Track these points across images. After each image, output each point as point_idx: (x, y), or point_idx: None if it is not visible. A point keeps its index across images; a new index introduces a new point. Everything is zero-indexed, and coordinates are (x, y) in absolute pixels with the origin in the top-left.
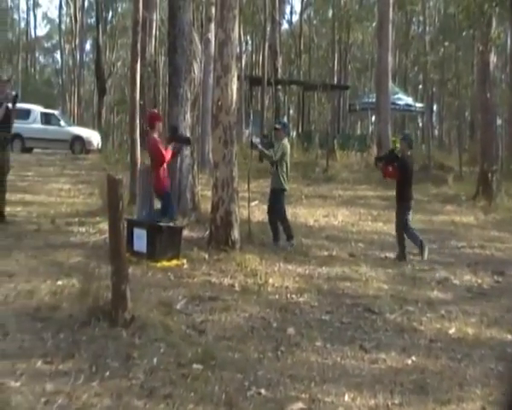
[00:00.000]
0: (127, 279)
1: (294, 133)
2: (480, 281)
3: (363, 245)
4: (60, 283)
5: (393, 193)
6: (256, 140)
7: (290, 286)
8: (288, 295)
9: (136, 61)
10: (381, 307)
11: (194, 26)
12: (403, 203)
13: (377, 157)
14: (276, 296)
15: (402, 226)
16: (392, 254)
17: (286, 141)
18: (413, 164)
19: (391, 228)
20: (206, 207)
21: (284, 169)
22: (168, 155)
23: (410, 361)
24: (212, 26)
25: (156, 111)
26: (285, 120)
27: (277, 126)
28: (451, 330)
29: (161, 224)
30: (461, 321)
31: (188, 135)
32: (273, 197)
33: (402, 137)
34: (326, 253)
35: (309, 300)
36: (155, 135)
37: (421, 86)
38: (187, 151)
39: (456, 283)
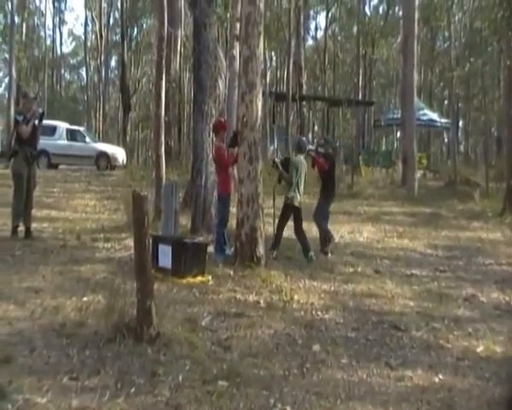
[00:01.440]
0: (152, 296)
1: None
2: (507, 298)
3: (389, 262)
4: (85, 299)
5: (420, 209)
6: (277, 159)
7: (315, 303)
8: (314, 312)
9: (161, 78)
10: (407, 324)
11: (218, 42)
12: (328, 196)
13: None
14: (302, 313)
15: (322, 216)
16: (418, 271)
17: (300, 157)
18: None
19: (417, 245)
20: (231, 223)
21: (298, 185)
22: (230, 159)
23: (436, 379)
24: (237, 42)
25: (222, 120)
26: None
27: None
28: (479, 349)
29: (186, 240)
30: (488, 339)
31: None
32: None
33: (324, 141)
34: (351, 269)
35: (334, 316)
36: (219, 142)
37: (446, 102)
38: (212, 168)
39: (483, 300)
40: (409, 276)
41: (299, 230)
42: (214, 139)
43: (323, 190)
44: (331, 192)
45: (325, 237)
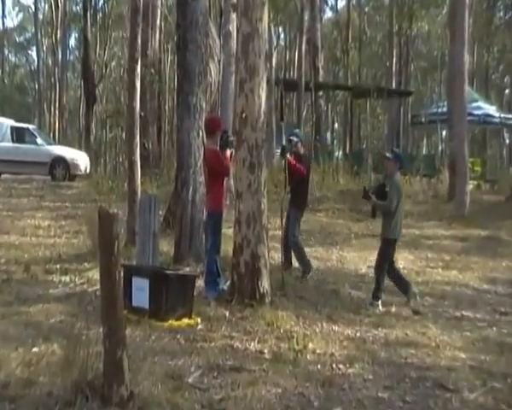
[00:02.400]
0: (124, 344)
1: (340, 153)
2: None
3: (432, 299)
4: (36, 350)
5: (473, 232)
6: (369, 188)
7: (336, 353)
8: (334, 365)
9: (136, 61)
10: (458, 383)
11: (210, 14)
12: (301, 206)
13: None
14: (318, 366)
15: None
16: (470, 313)
17: (398, 176)
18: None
19: (469, 278)
20: (226, 248)
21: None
22: (228, 166)
23: None
24: (234, 14)
25: (216, 116)
26: (396, 150)
27: (388, 156)
28: None
29: (169, 271)
30: None
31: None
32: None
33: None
34: (383, 309)
35: (361, 371)
36: (213, 144)
37: (507, 91)
38: (201, 178)
39: None
40: (459, 319)
41: (392, 265)
42: (205, 141)
43: (296, 198)
44: (305, 201)
45: (305, 264)
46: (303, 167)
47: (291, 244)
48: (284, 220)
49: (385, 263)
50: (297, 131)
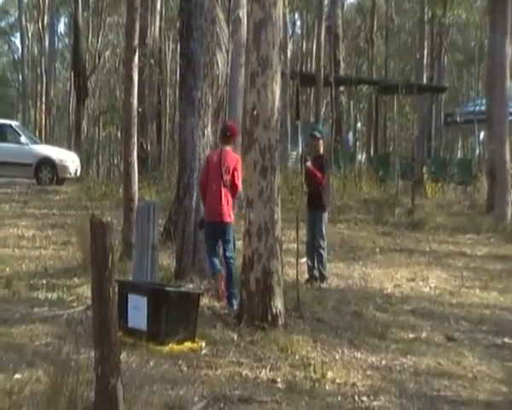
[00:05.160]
0: (119, 371)
1: (364, 156)
2: None
3: (468, 324)
4: (18, 376)
5: None
6: None
7: (359, 383)
8: (356, 397)
9: (134, 50)
10: None
11: None
12: (322, 211)
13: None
14: (338, 398)
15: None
16: None
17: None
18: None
19: (511, 300)
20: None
21: None
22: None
23: None
24: None
25: (233, 123)
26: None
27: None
28: None
29: (169, 288)
30: None
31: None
32: None
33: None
34: (412, 334)
35: (387, 405)
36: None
37: None
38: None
39: None
40: (499, 347)
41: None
42: (220, 145)
43: (317, 200)
44: (328, 199)
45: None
46: (321, 175)
47: (318, 248)
48: (307, 227)
49: None
50: (319, 127)
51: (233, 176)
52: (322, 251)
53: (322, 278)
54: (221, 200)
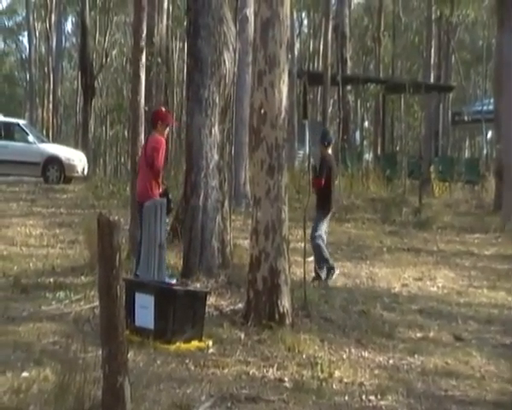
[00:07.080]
0: (126, 370)
1: (371, 155)
2: None
3: (476, 324)
4: (26, 375)
5: None
6: None
7: (366, 383)
8: (364, 397)
9: (141, 49)
10: None
11: None
12: (323, 211)
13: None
14: (346, 397)
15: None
16: None
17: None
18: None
19: None
20: (241, 262)
21: None
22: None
23: None
24: None
25: (164, 109)
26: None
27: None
28: None
29: (177, 287)
30: None
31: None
32: None
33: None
34: (419, 334)
35: (394, 404)
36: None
37: None
38: (213, 182)
39: None
40: (507, 346)
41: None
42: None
43: (321, 201)
44: (330, 201)
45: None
46: (321, 179)
47: (312, 244)
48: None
49: None
50: (328, 131)
51: (151, 156)
52: (317, 248)
53: (318, 277)
54: (143, 181)
